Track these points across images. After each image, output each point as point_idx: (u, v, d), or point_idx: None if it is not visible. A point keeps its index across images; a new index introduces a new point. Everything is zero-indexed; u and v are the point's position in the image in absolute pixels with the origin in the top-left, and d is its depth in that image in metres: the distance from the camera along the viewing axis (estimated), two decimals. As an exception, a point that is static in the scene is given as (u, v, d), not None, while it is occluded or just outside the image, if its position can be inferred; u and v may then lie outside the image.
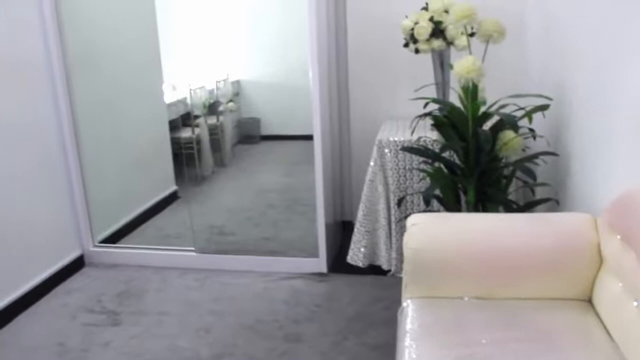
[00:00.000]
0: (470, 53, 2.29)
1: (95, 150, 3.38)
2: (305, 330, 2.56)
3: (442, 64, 2.87)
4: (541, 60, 2.80)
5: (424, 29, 2.70)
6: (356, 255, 3.02)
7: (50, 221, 3.10)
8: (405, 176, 2.90)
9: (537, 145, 2.57)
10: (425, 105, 2.42)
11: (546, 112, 2.28)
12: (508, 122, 2.16)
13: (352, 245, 3.04)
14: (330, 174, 3.15)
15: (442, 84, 2.88)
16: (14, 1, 2.82)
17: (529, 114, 2.27)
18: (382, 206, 2.91)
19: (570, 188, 2.29)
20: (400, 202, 2.83)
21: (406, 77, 3.19)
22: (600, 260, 1.72)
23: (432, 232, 1.90)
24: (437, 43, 2.73)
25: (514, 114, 2.21)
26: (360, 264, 3.01)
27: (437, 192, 2.47)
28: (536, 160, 2.35)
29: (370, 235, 2.99)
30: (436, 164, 2.55)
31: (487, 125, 2.34)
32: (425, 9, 2.76)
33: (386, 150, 2.88)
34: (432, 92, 2.81)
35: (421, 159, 2.69)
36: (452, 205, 2.48)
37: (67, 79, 3.15)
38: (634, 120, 1.69)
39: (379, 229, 2.96)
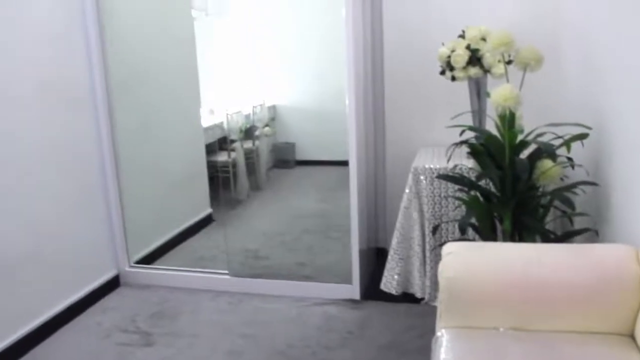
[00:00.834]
0: (508, 81, 2.27)
1: (133, 172, 3.45)
2: (338, 357, 2.54)
3: (478, 91, 2.86)
4: (580, 85, 2.73)
5: (461, 56, 2.70)
6: (390, 282, 3.00)
7: (89, 240, 3.17)
8: (440, 204, 2.88)
9: (575, 175, 2.53)
10: (462, 133, 2.41)
11: (585, 140, 2.24)
12: (546, 151, 2.13)
13: (385, 273, 3.02)
14: (365, 200, 3.15)
15: (479, 112, 2.87)
16: (59, 23, 2.92)
17: (567, 143, 2.24)
18: (416, 233, 2.89)
19: (610, 219, 2.23)
20: (435, 229, 2.80)
21: (442, 104, 3.18)
22: (643, 293, 1.67)
23: (468, 261, 1.87)
24: (474, 71, 2.73)
25: (552, 142, 2.18)
26: (393, 292, 2.99)
27: (473, 220, 2.44)
28: (575, 190, 2.30)
29: (404, 262, 2.97)
30: (472, 192, 2.53)
31: (524, 154, 2.31)
32: (462, 36, 2.77)
33: (422, 177, 2.87)
34: (468, 120, 2.80)
35: (457, 186, 2.67)
36: (488, 234, 2.45)
37: (109, 102, 3.24)
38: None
39: (413, 256, 2.93)
